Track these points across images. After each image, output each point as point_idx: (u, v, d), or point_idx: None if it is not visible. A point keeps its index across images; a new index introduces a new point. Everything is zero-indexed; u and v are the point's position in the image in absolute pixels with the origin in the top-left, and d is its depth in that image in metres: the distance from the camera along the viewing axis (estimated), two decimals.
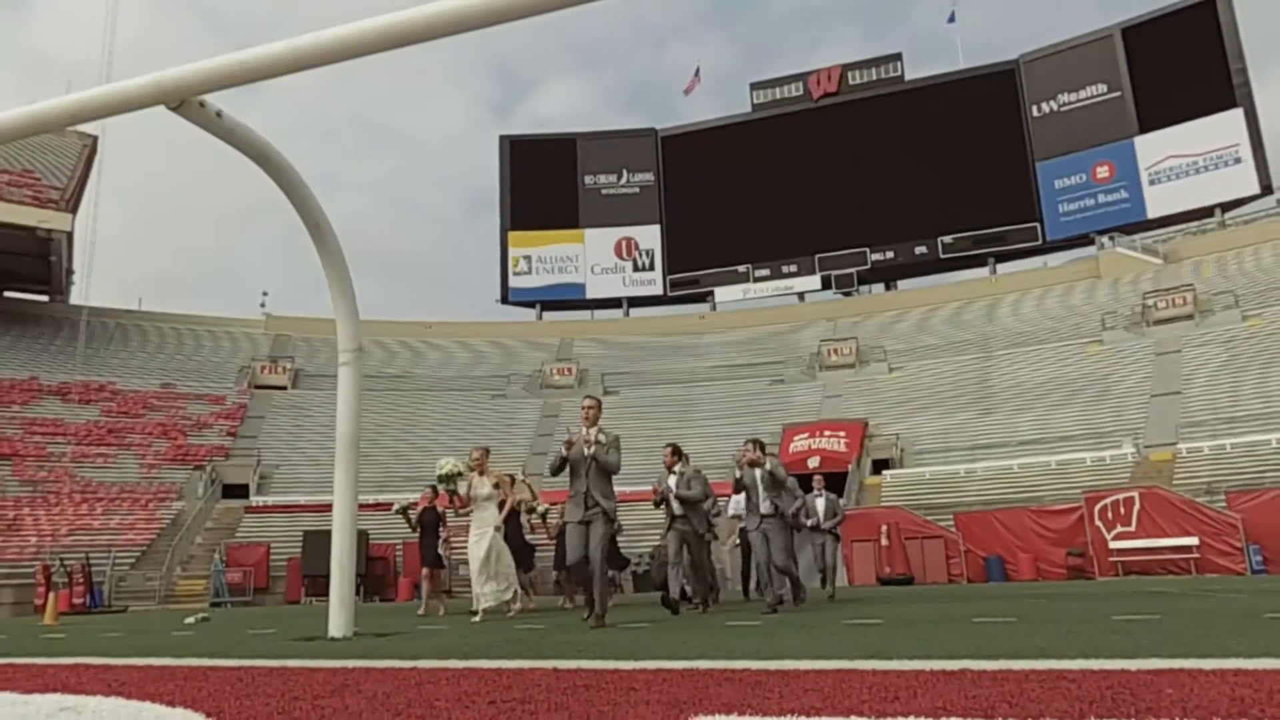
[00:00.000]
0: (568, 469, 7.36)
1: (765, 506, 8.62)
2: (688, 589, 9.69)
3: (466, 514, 9.69)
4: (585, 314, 51.92)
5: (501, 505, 9.78)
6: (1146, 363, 32.63)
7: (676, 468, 9.10)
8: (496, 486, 9.66)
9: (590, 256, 51.75)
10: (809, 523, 11.85)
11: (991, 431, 31.04)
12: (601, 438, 7.27)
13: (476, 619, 8.99)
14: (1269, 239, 39.73)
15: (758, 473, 8.69)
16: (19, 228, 37.95)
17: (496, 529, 9.49)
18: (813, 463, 28.60)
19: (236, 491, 31.95)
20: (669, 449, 9.42)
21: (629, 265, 51.81)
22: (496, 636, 5.43)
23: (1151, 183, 43.76)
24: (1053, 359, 35.08)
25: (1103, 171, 44.90)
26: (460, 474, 9.78)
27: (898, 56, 50.29)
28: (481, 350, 46.71)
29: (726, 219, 49.56)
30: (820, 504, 12.26)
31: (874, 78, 50.27)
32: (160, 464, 32.83)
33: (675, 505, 8.89)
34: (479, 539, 9.41)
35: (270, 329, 46.52)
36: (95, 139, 45.25)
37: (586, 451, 7.18)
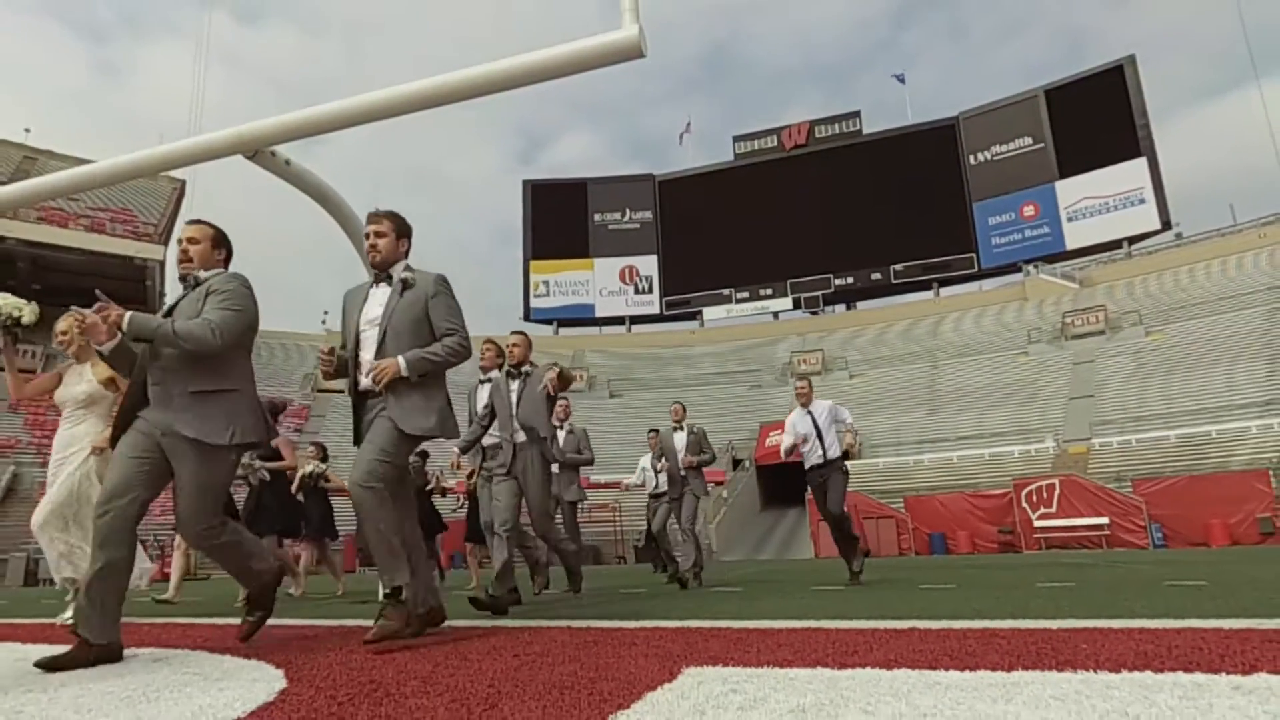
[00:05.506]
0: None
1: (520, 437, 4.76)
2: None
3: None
4: (594, 330, 52.01)
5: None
6: (1065, 371, 32.61)
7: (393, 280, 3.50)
8: (110, 385, 4.57)
9: (598, 281, 51.86)
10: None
11: (936, 428, 31.00)
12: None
13: (67, 616, 4.38)
14: (1168, 267, 39.85)
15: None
16: (118, 257, 38.12)
17: (99, 452, 4.43)
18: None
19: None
20: None
21: (631, 289, 51.92)
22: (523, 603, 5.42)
23: (1069, 220, 43.88)
24: (987, 367, 35.06)
25: (1029, 210, 45.01)
26: (20, 320, 4.06)
27: (857, 113, 50.54)
28: None
29: (713, 250, 49.80)
30: (680, 440, 7.51)
31: (837, 131, 50.51)
32: None
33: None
34: (60, 468, 4.47)
35: (329, 342, 46.20)
36: (184, 182, 45.34)
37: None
